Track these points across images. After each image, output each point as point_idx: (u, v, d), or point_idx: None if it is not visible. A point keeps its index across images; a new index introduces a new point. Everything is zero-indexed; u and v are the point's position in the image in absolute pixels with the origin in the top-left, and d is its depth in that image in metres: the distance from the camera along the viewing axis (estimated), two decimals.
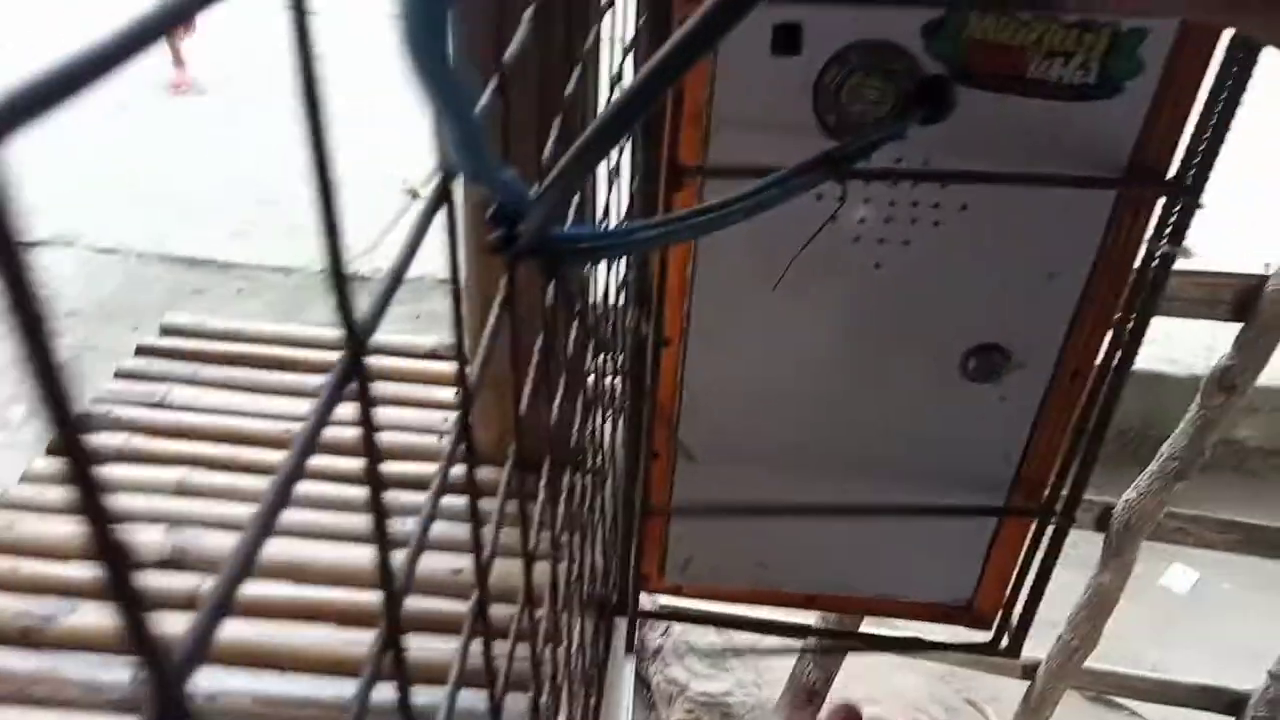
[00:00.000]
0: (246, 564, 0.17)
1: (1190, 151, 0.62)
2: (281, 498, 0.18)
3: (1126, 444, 2.87)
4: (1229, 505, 2.89)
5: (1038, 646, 1.40)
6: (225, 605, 0.15)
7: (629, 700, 1.45)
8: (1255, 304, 1.00)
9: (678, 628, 2.00)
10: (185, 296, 2.64)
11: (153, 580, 0.92)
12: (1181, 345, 2.69)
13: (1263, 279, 0.99)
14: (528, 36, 0.32)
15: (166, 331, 1.29)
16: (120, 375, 1.21)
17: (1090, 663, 1.39)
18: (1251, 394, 3.20)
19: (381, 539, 0.24)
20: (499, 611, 0.44)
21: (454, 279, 0.28)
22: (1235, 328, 1.03)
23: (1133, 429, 2.84)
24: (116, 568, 0.12)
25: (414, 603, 0.85)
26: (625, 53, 0.73)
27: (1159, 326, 1.06)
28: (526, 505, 0.37)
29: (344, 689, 0.84)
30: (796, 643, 1.48)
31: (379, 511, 0.22)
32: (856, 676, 2.36)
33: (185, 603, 0.92)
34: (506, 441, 0.36)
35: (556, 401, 0.43)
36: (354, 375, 0.21)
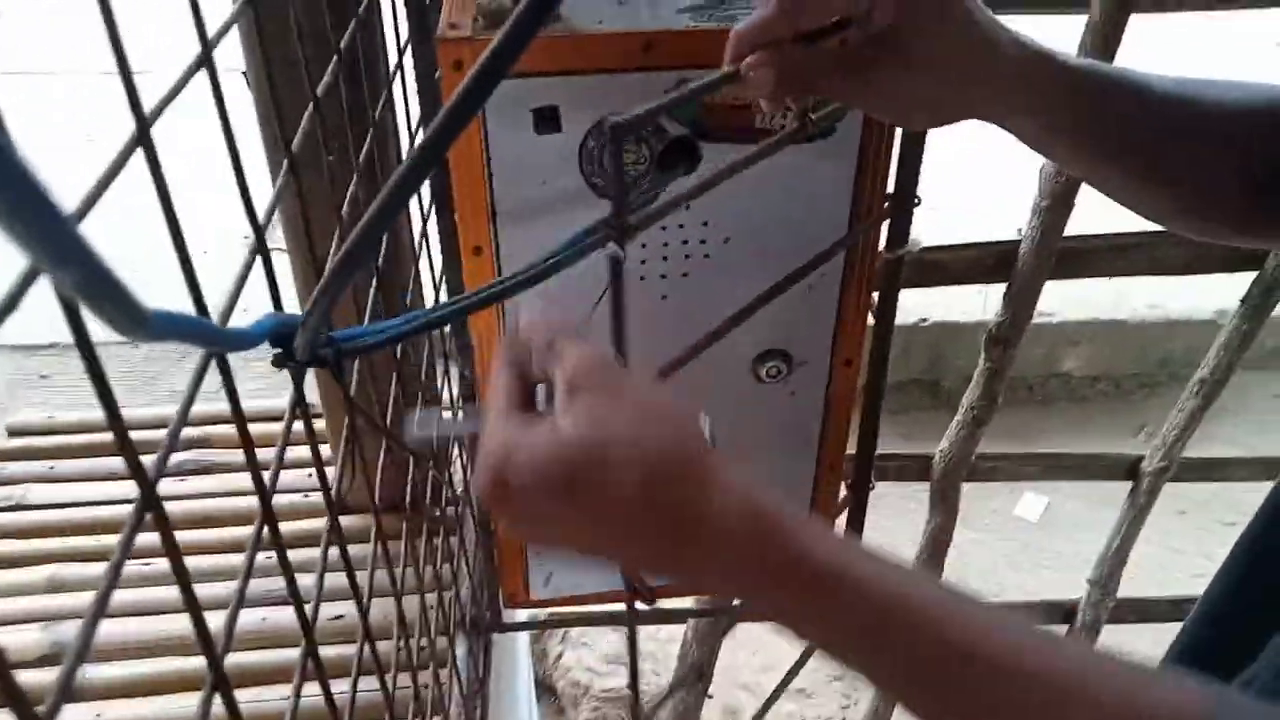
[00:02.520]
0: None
1: (902, 167, 0.74)
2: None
3: (929, 389, 3.13)
4: (1065, 432, 3.15)
5: None
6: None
7: (527, 710, 1.52)
8: (1013, 265, 1.14)
9: (575, 633, 2.08)
10: (31, 385, 2.55)
11: (34, 677, 0.95)
12: (961, 296, 2.94)
13: (1016, 243, 1.14)
14: (316, 118, 0.39)
15: (14, 433, 1.29)
16: None
17: None
18: (1071, 329, 3.45)
19: (302, 607, 0.31)
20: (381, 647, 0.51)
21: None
22: (1002, 287, 1.18)
23: (929, 376, 3.10)
24: None
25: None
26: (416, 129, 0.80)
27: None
28: (394, 544, 0.44)
29: None
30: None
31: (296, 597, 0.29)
32: (750, 649, 2.49)
33: (71, 694, 0.95)
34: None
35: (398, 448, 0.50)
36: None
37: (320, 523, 1.13)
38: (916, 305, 2.98)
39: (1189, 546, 2.56)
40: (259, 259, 0.34)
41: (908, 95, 0.50)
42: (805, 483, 0.88)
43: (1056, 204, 1.06)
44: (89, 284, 0.19)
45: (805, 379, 0.81)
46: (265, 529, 0.36)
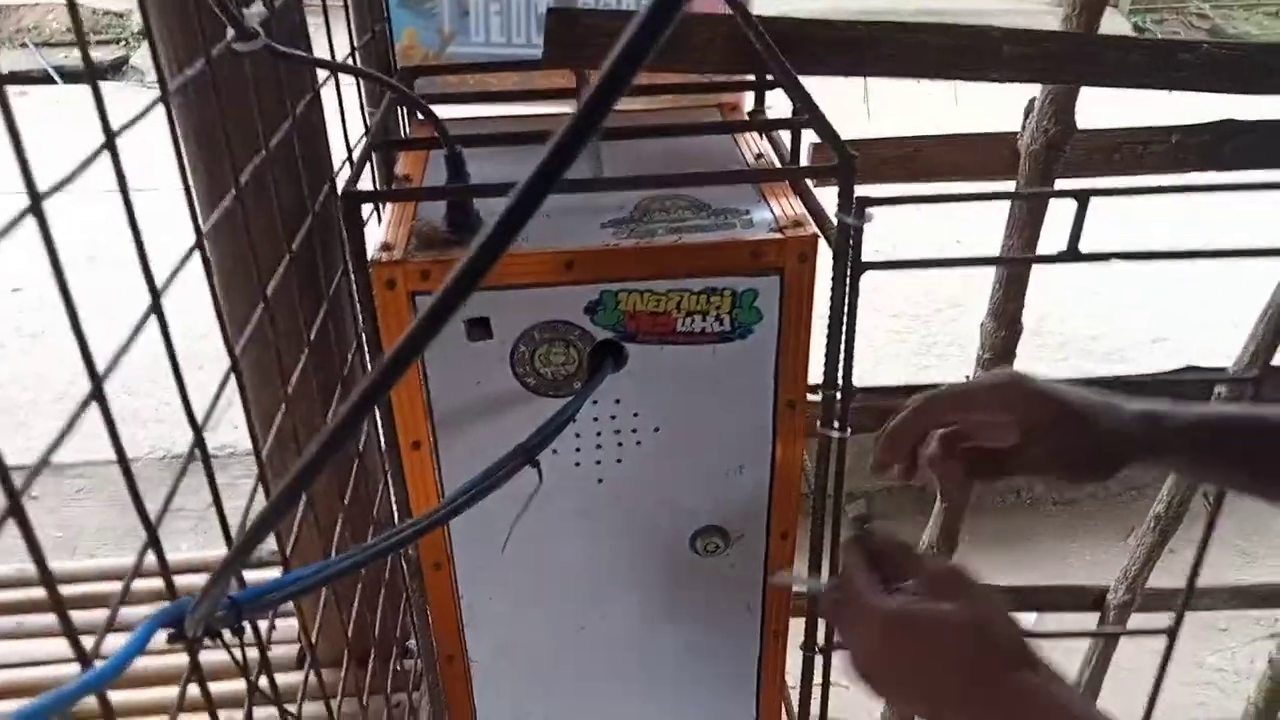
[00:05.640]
0: None
1: (829, 358, 0.78)
2: None
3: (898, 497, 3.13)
4: (1054, 536, 3.13)
5: None
6: None
7: None
8: None
9: None
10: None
11: None
12: None
13: None
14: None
15: None
16: None
17: None
18: None
19: None
20: None
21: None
22: None
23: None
24: None
25: None
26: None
27: None
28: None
29: None
30: None
31: None
32: None
33: None
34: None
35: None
36: None
37: None
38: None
39: (1182, 658, 2.54)
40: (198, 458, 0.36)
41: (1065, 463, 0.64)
42: (751, 649, 0.90)
43: (997, 358, 1.10)
44: None
45: (743, 552, 0.84)
46: None
